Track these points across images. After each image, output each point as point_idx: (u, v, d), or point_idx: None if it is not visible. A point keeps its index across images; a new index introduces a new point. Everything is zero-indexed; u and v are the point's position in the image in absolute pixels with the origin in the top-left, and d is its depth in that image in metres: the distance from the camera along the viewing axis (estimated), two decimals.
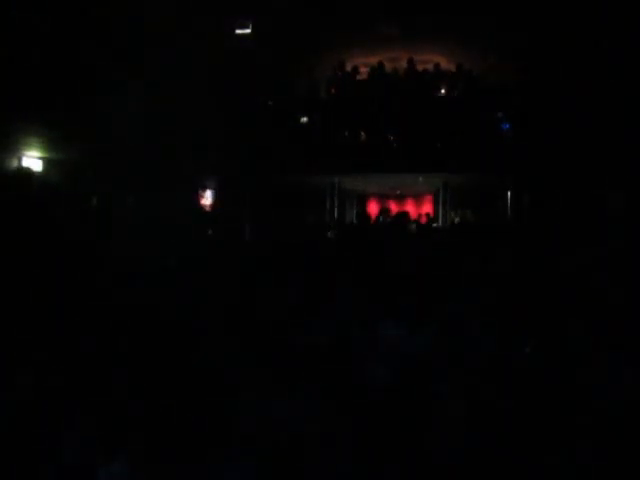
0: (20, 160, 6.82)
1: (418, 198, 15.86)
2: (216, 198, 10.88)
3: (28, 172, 6.30)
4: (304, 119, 10.25)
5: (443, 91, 10.18)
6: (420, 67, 10.17)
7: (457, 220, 10.98)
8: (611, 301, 2.62)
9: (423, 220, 10.51)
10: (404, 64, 10.07)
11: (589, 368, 2.18)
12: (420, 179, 11.69)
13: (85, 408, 2.02)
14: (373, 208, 14.82)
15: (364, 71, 10.34)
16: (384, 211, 5.58)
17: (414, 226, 7.41)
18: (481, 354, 2.32)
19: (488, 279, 3.09)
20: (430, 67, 10.20)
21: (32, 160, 7.01)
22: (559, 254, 3.71)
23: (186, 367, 2.23)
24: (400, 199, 15.77)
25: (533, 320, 2.53)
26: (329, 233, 5.45)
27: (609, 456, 1.83)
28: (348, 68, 10.30)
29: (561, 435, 1.92)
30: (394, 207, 14.63)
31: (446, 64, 10.29)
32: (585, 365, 2.20)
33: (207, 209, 10.47)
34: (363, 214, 6.01)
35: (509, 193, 10.45)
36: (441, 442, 1.97)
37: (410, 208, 15.52)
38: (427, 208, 15.22)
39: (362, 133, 9.96)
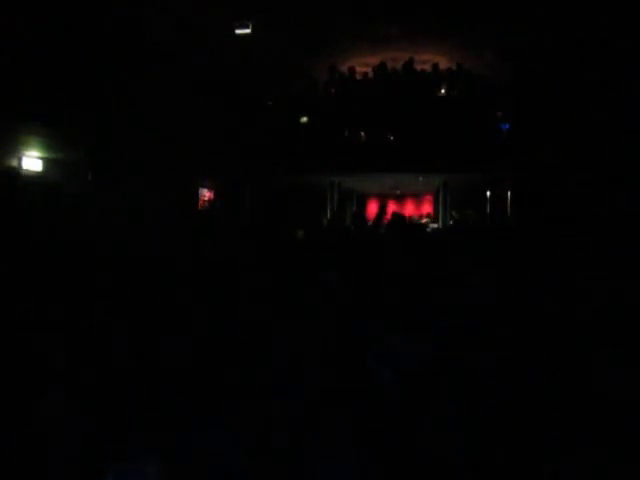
0: (20, 160, 6.82)
1: (418, 198, 15.90)
2: (215, 198, 10.89)
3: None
4: (304, 119, 10.26)
5: (443, 91, 10.19)
6: (420, 67, 10.18)
7: (457, 219, 10.99)
8: (612, 301, 2.61)
9: (423, 220, 10.53)
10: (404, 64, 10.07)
11: (589, 369, 2.18)
12: (420, 179, 11.71)
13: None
14: (373, 208, 14.85)
15: (364, 71, 10.34)
16: (382, 210, 5.56)
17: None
18: (481, 355, 2.32)
19: (488, 280, 3.09)
20: (429, 67, 10.21)
21: (32, 160, 7.01)
22: (559, 254, 3.70)
23: (186, 367, 2.24)
24: (400, 199, 15.80)
25: (533, 321, 2.53)
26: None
27: (609, 456, 1.84)
28: (346, 68, 10.30)
29: (561, 436, 1.93)
30: (394, 207, 14.66)
31: (446, 63, 10.29)
32: (585, 366, 2.20)
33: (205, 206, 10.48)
34: (361, 216, 5.96)
35: (509, 193, 10.46)
36: (440, 441, 1.98)
37: (410, 208, 15.56)
38: (427, 208, 15.26)
39: (362, 133, 9.97)
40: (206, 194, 10.83)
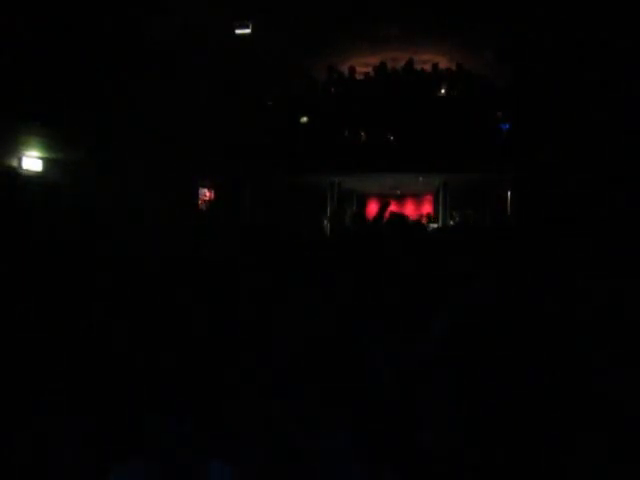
0: (20, 160, 6.82)
1: (418, 198, 15.89)
2: (216, 198, 10.89)
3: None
4: (304, 119, 10.26)
5: (443, 91, 10.19)
6: (420, 67, 10.18)
7: (457, 220, 10.99)
8: (612, 301, 2.61)
9: (423, 221, 10.54)
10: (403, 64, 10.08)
11: (589, 368, 2.18)
12: (420, 179, 11.70)
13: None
14: (373, 208, 14.84)
15: (364, 71, 10.35)
16: (384, 205, 5.56)
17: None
18: (481, 355, 2.32)
19: (488, 280, 3.08)
20: (429, 67, 10.21)
21: (32, 160, 7.01)
22: (559, 254, 3.70)
23: (187, 365, 2.24)
24: (400, 199, 15.79)
25: (533, 321, 2.53)
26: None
27: (609, 456, 1.84)
28: (346, 68, 10.31)
29: (561, 436, 1.93)
30: (394, 207, 14.65)
31: (446, 63, 10.29)
32: (585, 366, 2.20)
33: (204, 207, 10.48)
34: (361, 216, 5.97)
35: (509, 193, 10.45)
36: (439, 440, 1.98)
37: (410, 208, 15.55)
38: (427, 208, 15.25)
39: (362, 133, 9.97)
40: (206, 194, 10.84)
